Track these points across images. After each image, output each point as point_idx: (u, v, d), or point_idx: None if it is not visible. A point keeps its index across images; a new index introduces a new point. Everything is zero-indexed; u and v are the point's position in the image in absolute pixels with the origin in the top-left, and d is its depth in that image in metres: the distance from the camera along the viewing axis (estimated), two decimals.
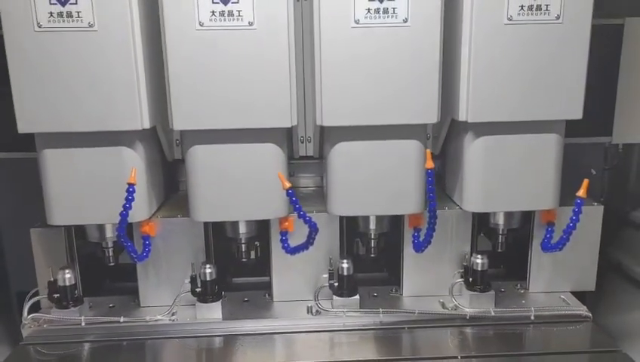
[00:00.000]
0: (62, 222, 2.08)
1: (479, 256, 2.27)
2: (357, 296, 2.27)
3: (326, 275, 2.31)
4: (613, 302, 2.64)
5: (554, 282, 2.38)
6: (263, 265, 2.36)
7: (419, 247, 2.19)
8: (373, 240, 2.31)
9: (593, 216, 2.30)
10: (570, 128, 2.08)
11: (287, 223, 2.13)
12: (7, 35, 1.90)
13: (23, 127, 1.95)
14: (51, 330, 2.18)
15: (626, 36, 2.36)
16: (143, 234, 2.15)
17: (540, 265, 2.37)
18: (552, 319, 2.23)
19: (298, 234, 2.14)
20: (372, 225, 2.27)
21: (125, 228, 2.01)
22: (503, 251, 2.35)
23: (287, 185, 1.95)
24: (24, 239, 2.30)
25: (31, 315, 2.19)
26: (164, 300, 2.26)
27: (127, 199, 1.94)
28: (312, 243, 2.12)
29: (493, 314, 2.23)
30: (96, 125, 1.96)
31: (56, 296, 2.21)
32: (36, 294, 2.25)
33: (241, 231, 2.23)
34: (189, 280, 2.24)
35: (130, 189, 1.93)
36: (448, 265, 2.34)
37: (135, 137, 2.01)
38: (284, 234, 2.15)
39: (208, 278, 2.21)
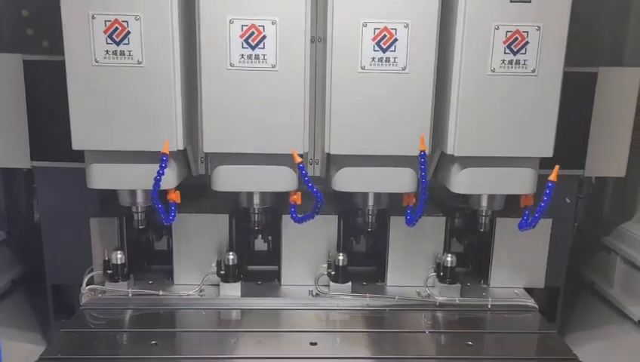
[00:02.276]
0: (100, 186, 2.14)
1: (449, 256, 2.39)
2: (349, 283, 2.39)
3: (325, 265, 2.43)
4: (586, 318, 2.72)
5: (510, 279, 2.50)
6: (274, 256, 2.49)
7: (411, 221, 2.19)
8: (370, 216, 2.35)
9: (543, 227, 2.43)
10: (548, 161, 2.10)
11: (295, 196, 2.16)
12: (69, 67, 1.94)
13: (77, 144, 2.00)
14: (104, 299, 2.33)
15: (599, 83, 2.35)
16: (170, 200, 2.15)
17: (499, 266, 2.49)
18: (505, 308, 2.38)
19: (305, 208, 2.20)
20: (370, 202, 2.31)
21: (157, 193, 2.04)
22: (471, 253, 2.49)
23: (299, 159, 2.03)
24: (61, 238, 2.43)
25: (89, 286, 2.32)
26: (194, 280, 2.39)
27: (160, 167, 1.98)
28: (317, 213, 2.17)
29: (458, 301, 2.37)
30: (139, 145, 2.01)
31: (109, 272, 2.34)
32: (91, 271, 2.38)
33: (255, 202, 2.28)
34: (215, 264, 2.36)
35: (164, 158, 1.97)
36: (424, 262, 2.45)
37: (171, 156, 2.04)
38: (292, 206, 2.17)
39: (231, 263, 2.33)
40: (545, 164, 2.13)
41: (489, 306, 2.38)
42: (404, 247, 2.47)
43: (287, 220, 2.32)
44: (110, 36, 1.91)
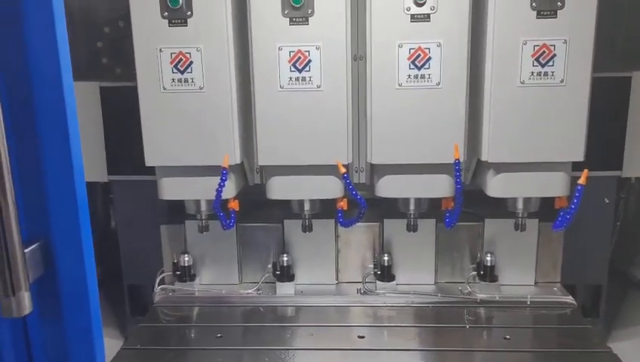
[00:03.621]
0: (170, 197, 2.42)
1: (489, 255, 2.55)
2: (394, 282, 2.59)
3: (371, 265, 2.64)
4: (632, 315, 2.79)
5: (505, 277, 2.63)
6: None
7: (449, 224, 2.39)
8: (412, 219, 2.52)
9: (531, 227, 2.55)
10: (584, 164, 2.21)
11: (342, 203, 2.38)
12: (141, 94, 2.23)
13: (150, 160, 2.29)
14: (174, 297, 2.62)
15: (634, 87, 2.45)
16: (230, 209, 2.41)
17: (537, 263, 2.64)
18: (543, 304, 2.51)
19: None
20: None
21: (219, 203, 2.31)
22: None
23: (343, 170, 2.26)
24: (135, 243, 2.72)
25: (160, 286, 2.62)
26: (254, 278, 2.68)
27: (221, 179, 2.24)
28: (361, 218, 2.41)
29: (497, 298, 2.52)
30: (202, 161, 2.27)
31: (177, 273, 2.62)
32: (162, 272, 2.68)
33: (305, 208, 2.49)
34: (271, 265, 2.64)
35: (224, 172, 2.24)
36: (465, 261, 2.65)
37: (230, 169, 2.30)
38: (339, 211, 2.40)
39: (285, 264, 2.59)
40: (581, 166, 2.24)
41: (528, 303, 2.52)
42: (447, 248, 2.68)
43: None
44: (176, 66, 2.19)
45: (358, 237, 2.69)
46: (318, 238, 2.65)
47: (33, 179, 1.23)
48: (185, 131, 2.26)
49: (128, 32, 2.24)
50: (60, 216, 1.25)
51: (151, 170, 2.39)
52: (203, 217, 2.51)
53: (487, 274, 2.56)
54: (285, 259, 2.60)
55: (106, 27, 2.81)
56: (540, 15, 2.11)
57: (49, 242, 1.26)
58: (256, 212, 2.74)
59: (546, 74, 2.16)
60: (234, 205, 2.41)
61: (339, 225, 2.47)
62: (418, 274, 2.68)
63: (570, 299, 2.55)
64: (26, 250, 1.18)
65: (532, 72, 2.16)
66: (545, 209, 2.43)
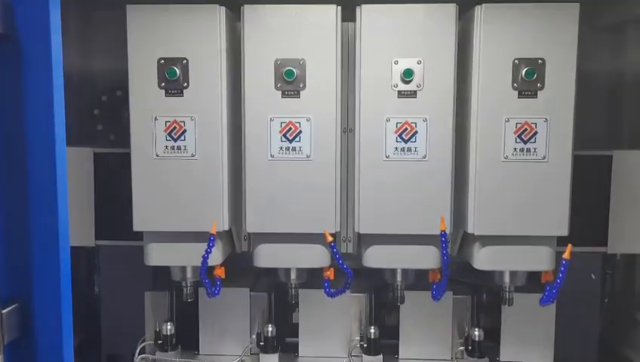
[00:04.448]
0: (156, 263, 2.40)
1: (476, 330, 2.52)
2: (380, 355, 2.54)
3: (358, 338, 2.61)
4: None
5: (519, 354, 2.59)
6: None
7: (436, 296, 2.37)
8: (399, 291, 2.49)
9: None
10: (570, 240, 2.23)
11: (328, 272, 2.37)
12: (134, 161, 2.26)
13: (138, 225, 2.29)
14: None
15: (615, 164, 2.52)
16: (215, 276, 2.37)
17: (508, 341, 2.60)
18: None
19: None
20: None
21: (206, 269, 2.29)
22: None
23: (330, 239, 2.26)
24: (118, 310, 2.68)
25: (140, 356, 2.55)
26: (235, 350, 2.62)
27: (208, 246, 2.24)
28: (348, 288, 2.40)
29: None
30: (191, 226, 2.28)
31: (159, 342, 2.57)
32: (144, 341, 2.62)
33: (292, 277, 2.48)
34: (255, 335, 2.60)
35: (212, 238, 2.24)
36: (453, 336, 2.61)
37: (217, 236, 2.30)
38: (326, 281, 2.38)
39: (270, 335, 2.53)
40: (567, 241, 2.25)
41: None
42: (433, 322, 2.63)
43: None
44: (169, 134, 2.24)
45: (345, 308, 2.64)
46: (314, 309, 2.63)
47: (18, 239, 1.23)
48: (174, 197, 2.28)
49: (125, 100, 2.31)
50: (42, 279, 1.25)
51: (139, 236, 2.38)
52: (188, 284, 2.48)
53: (476, 349, 2.52)
54: (270, 329, 2.55)
55: (104, 95, 2.90)
56: (521, 95, 2.20)
57: (28, 304, 1.24)
58: (242, 279, 2.70)
59: (528, 150, 2.22)
60: (220, 272, 2.39)
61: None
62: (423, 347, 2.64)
63: None
64: (3, 311, 1.16)
65: (515, 148, 2.22)
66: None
